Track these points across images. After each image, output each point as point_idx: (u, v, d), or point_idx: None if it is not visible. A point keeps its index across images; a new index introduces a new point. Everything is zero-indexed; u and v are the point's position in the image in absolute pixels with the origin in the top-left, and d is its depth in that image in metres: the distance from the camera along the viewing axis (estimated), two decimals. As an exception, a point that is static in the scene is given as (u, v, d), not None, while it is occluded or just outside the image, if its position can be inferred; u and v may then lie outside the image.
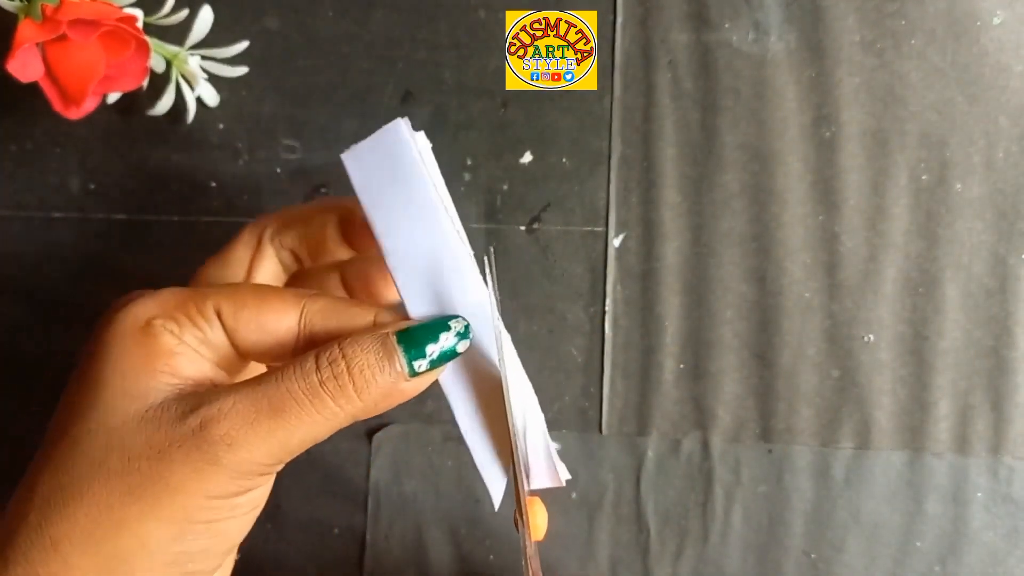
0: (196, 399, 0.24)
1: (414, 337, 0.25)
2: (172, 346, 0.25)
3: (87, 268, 0.42)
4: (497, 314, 0.27)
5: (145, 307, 0.25)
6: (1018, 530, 0.40)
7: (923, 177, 0.40)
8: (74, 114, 0.37)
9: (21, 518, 0.24)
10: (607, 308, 0.41)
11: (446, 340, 0.26)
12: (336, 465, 0.41)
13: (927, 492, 0.40)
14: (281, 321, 0.26)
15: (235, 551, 0.29)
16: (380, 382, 0.25)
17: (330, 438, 0.43)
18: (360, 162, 0.27)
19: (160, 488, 0.23)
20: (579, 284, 0.41)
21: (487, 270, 0.27)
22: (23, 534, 0.23)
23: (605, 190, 0.41)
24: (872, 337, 0.40)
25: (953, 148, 0.40)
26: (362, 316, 0.26)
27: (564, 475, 0.29)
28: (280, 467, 0.25)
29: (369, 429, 0.41)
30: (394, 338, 0.25)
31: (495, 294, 0.27)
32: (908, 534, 0.40)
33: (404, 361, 0.25)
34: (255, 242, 0.31)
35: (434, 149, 0.30)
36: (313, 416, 0.24)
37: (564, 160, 0.41)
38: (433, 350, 0.25)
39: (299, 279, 0.33)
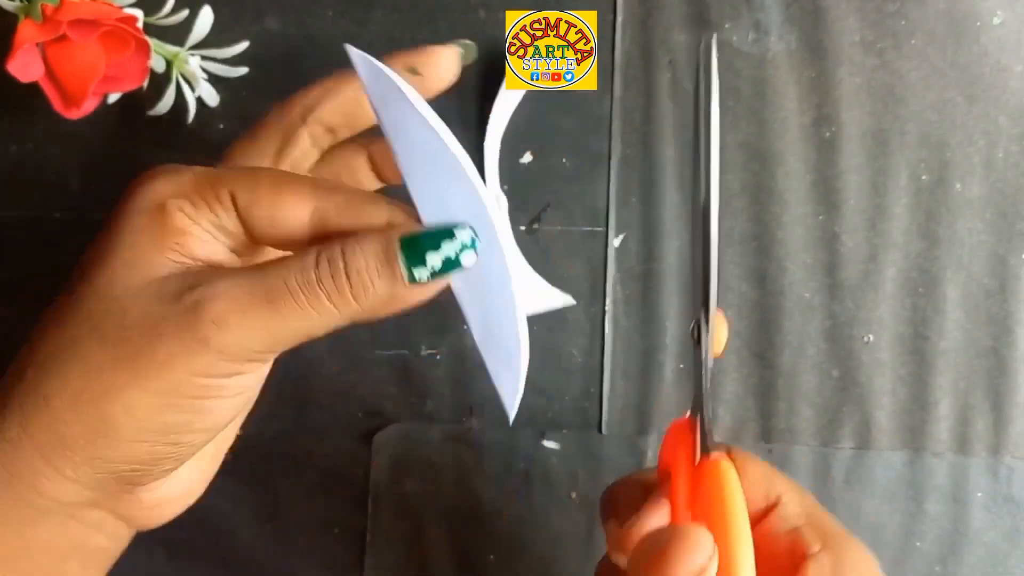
0: (196, 278, 0.24)
1: (417, 244, 0.25)
2: (184, 226, 0.25)
3: (87, 268, 0.42)
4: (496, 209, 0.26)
5: (162, 186, 0.25)
6: (1019, 530, 0.40)
7: (923, 177, 0.40)
8: (74, 114, 0.37)
9: (20, 374, 0.25)
10: (607, 308, 0.41)
11: (449, 249, 0.25)
12: (336, 465, 0.41)
13: (927, 492, 0.40)
14: (294, 214, 0.25)
15: (233, 428, 0.30)
16: (378, 287, 0.24)
17: (330, 438, 0.43)
18: (366, 63, 0.26)
19: (148, 360, 0.24)
20: (579, 284, 0.41)
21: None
22: (20, 388, 0.25)
23: (605, 190, 0.41)
24: (872, 337, 0.40)
25: (953, 148, 0.40)
26: (376, 215, 0.25)
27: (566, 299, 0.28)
28: (271, 357, 0.26)
29: (369, 429, 0.41)
30: (397, 244, 0.25)
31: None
32: (908, 534, 0.40)
33: (404, 268, 0.24)
34: (284, 123, 0.31)
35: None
36: (308, 311, 0.24)
37: (564, 160, 0.41)
38: (435, 259, 0.25)
39: (331, 155, 0.32)
